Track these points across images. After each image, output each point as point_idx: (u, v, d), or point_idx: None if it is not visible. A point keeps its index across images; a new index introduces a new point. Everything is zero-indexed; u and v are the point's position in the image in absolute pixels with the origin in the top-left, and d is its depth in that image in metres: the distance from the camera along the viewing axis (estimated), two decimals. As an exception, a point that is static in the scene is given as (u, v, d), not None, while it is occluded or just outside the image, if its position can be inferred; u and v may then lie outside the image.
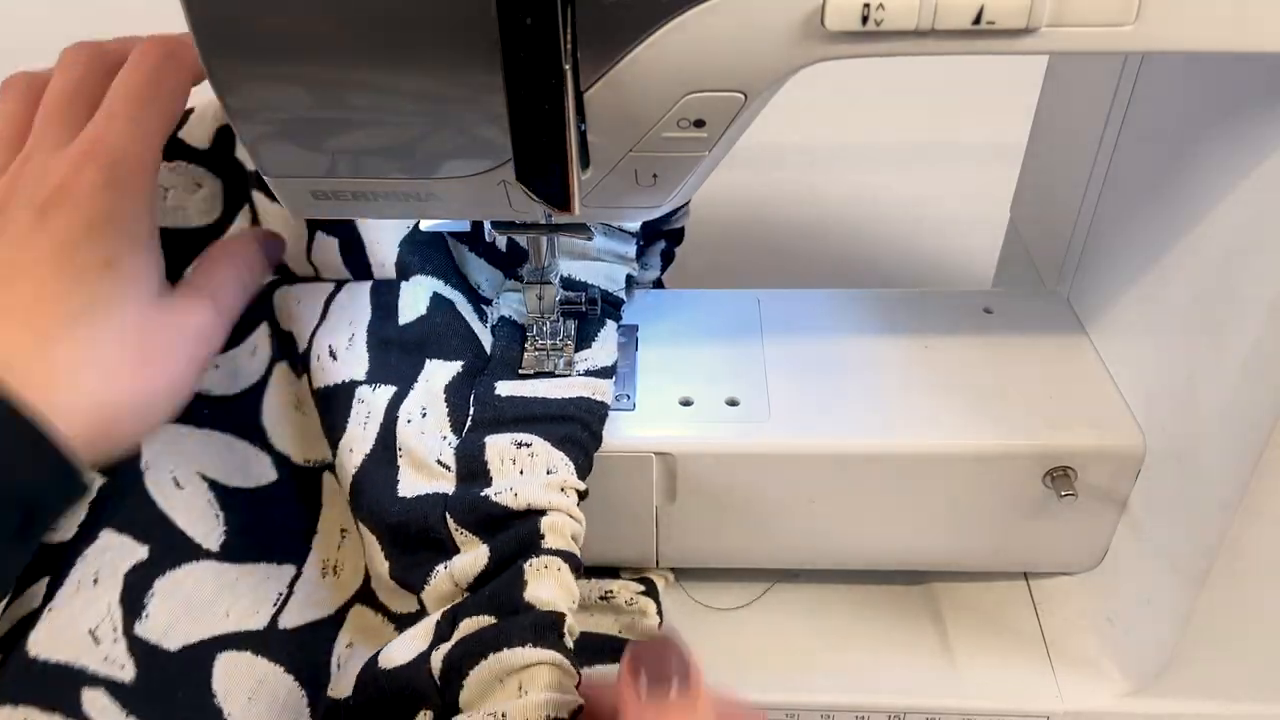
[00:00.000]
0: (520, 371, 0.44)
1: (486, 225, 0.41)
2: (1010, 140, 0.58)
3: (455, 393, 0.43)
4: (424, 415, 0.41)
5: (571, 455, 0.40)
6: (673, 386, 0.45)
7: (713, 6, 0.30)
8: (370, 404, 0.41)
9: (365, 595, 0.43)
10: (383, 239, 0.45)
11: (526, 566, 0.37)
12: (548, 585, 0.36)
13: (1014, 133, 0.57)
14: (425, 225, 0.44)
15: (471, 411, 0.42)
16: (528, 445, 0.40)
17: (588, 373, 0.44)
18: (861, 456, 0.42)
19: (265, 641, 0.40)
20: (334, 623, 0.43)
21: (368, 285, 0.45)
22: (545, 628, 0.35)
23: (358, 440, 0.41)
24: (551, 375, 0.44)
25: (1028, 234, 0.56)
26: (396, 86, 0.32)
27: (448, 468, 0.40)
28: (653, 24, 0.30)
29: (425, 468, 0.40)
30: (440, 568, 0.38)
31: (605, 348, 0.45)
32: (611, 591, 0.46)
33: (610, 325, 0.46)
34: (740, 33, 0.30)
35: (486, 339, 0.46)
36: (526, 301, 0.44)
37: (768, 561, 0.48)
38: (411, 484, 0.40)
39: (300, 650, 0.41)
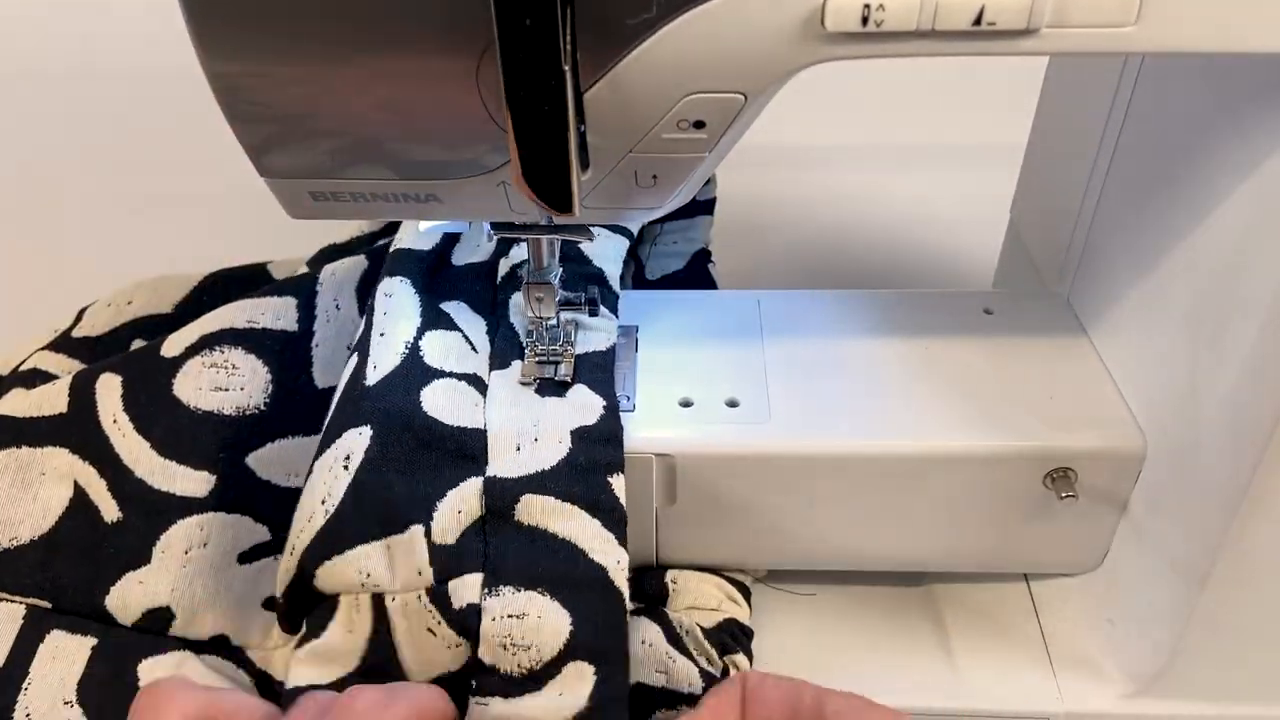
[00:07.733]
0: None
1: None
2: (1010, 140, 0.58)
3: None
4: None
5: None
6: (672, 387, 0.45)
7: (712, 7, 0.30)
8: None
9: None
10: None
11: None
12: None
13: (1014, 133, 0.57)
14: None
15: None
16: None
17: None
18: (861, 458, 0.42)
19: None
20: None
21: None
22: None
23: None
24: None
25: (1028, 234, 0.56)
26: (395, 85, 0.32)
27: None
28: (653, 24, 0.30)
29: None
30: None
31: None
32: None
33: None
34: (740, 33, 0.30)
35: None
36: (526, 305, 0.44)
37: (767, 563, 0.48)
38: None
39: None
